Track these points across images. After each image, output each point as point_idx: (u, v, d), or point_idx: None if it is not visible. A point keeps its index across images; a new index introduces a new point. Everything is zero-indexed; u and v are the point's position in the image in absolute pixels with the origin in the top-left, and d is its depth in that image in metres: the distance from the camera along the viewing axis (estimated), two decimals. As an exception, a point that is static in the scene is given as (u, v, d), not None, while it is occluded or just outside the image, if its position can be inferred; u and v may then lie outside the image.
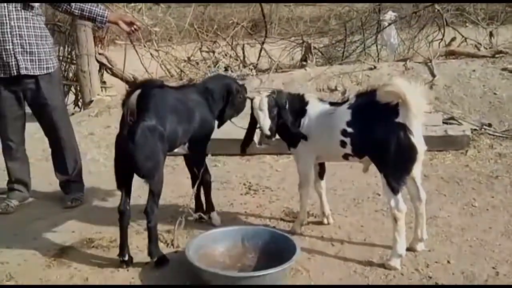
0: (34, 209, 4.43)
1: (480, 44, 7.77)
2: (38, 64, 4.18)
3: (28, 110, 4.40)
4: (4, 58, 4.06)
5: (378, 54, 8.68)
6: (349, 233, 3.75)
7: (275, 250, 3.23)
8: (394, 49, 8.93)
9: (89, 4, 4.17)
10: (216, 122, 3.91)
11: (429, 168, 4.83)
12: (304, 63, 7.82)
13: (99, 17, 4.19)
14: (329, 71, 7.11)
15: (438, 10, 8.22)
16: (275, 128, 3.50)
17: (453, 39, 8.23)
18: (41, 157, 5.52)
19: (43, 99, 4.27)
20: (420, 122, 3.09)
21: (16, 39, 4.06)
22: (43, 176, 4.93)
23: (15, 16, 4.04)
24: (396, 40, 8.98)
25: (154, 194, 3.21)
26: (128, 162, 3.10)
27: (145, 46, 8.38)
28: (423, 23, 8.85)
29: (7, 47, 4.05)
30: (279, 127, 3.52)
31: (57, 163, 4.55)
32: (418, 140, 3.07)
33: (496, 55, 7.00)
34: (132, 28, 4.21)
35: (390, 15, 8.96)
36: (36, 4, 4.16)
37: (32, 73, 4.16)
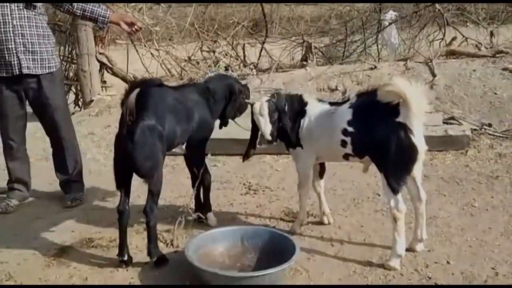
0: (34, 208, 4.43)
1: (481, 44, 7.76)
2: (40, 64, 4.18)
3: (28, 109, 4.40)
4: (6, 57, 4.07)
5: (379, 53, 8.68)
6: (349, 233, 3.75)
7: (275, 250, 3.23)
8: (394, 49, 8.94)
9: (91, 4, 4.17)
10: (218, 122, 3.91)
11: (429, 168, 4.83)
12: (305, 62, 7.82)
13: (101, 18, 4.19)
14: (329, 70, 7.11)
15: (439, 10, 8.21)
16: (276, 132, 3.50)
17: (454, 38, 8.22)
18: (41, 156, 5.52)
19: (45, 99, 4.27)
20: (420, 122, 3.08)
21: (18, 38, 4.06)
22: (43, 176, 4.93)
23: (17, 15, 4.04)
24: (396, 39, 8.98)
25: (153, 194, 3.20)
26: (128, 162, 3.10)
27: (145, 46, 8.38)
28: (423, 22, 8.84)
29: (9, 46, 4.05)
30: (279, 130, 3.52)
31: (57, 162, 4.55)
32: (418, 140, 3.06)
33: (497, 55, 6.98)
34: (133, 29, 4.21)
35: (390, 14, 8.97)
36: (39, 4, 4.16)
37: (34, 73, 4.17)
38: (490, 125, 5.83)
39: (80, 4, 4.16)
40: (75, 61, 8.18)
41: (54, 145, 4.51)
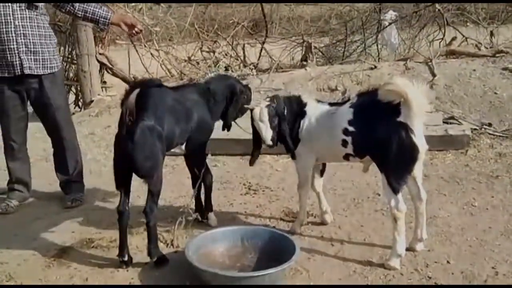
0: (34, 209, 4.43)
1: (481, 44, 7.76)
2: (42, 64, 4.18)
3: (30, 109, 4.41)
4: (8, 58, 4.07)
5: (379, 53, 8.68)
6: (349, 233, 3.75)
7: (275, 250, 3.23)
8: (394, 49, 8.95)
9: (92, 5, 4.17)
10: (218, 123, 3.91)
11: (429, 167, 4.83)
12: (305, 62, 7.83)
13: (102, 19, 4.19)
14: (329, 70, 7.11)
15: (439, 10, 8.21)
16: (276, 137, 3.50)
17: (454, 38, 8.22)
18: (41, 157, 5.53)
19: (46, 99, 4.27)
20: (421, 122, 3.08)
21: (20, 39, 4.06)
22: (43, 176, 4.93)
23: (19, 15, 4.04)
24: (396, 39, 8.99)
25: (153, 194, 3.20)
26: (127, 162, 3.10)
27: (145, 46, 8.39)
28: (423, 22, 8.85)
29: (11, 46, 4.05)
30: (279, 134, 3.52)
31: (58, 163, 4.56)
32: (419, 140, 3.07)
33: (497, 55, 6.98)
34: (134, 31, 4.22)
35: (390, 14, 8.97)
36: (40, 4, 4.16)
37: (35, 73, 4.17)
38: (490, 124, 5.83)
39: (82, 5, 4.16)
40: (75, 62, 8.19)
41: (55, 145, 4.51)
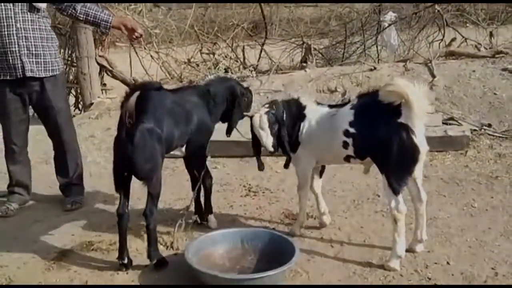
0: (34, 212, 4.43)
1: (480, 45, 7.75)
2: (44, 66, 4.19)
3: (31, 112, 4.42)
4: (10, 60, 4.07)
5: (378, 55, 8.68)
6: (349, 234, 3.75)
7: (275, 252, 3.23)
8: (394, 50, 8.95)
9: (94, 9, 4.18)
10: (220, 125, 3.91)
11: (429, 168, 4.83)
12: (304, 64, 7.83)
13: (103, 23, 4.20)
14: (329, 72, 7.11)
15: (438, 11, 8.21)
16: (277, 143, 3.50)
17: (453, 39, 8.21)
18: (41, 159, 5.53)
19: (48, 102, 4.28)
20: (422, 123, 3.08)
21: (22, 41, 4.07)
22: (43, 179, 4.93)
23: (21, 18, 4.05)
24: (396, 41, 8.99)
25: (153, 197, 3.21)
26: (127, 164, 3.11)
27: (145, 48, 8.39)
28: (423, 23, 8.84)
29: (13, 49, 4.06)
30: (278, 140, 3.51)
31: (58, 165, 4.56)
32: (420, 141, 3.07)
33: (496, 55, 6.97)
34: (134, 35, 4.22)
35: (390, 15, 8.97)
36: (42, 7, 4.17)
37: (37, 75, 4.17)
38: (489, 125, 5.83)
39: (84, 9, 4.17)
40: (75, 64, 8.19)
41: (56, 147, 4.51)
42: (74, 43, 7.91)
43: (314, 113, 3.51)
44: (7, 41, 4.04)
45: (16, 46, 4.06)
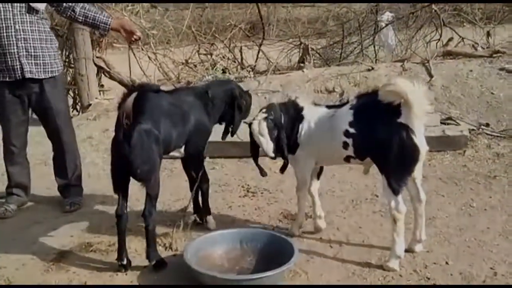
0: (32, 213, 4.43)
1: (478, 44, 7.76)
2: (43, 68, 4.19)
3: (33, 115, 4.41)
4: (9, 62, 4.07)
5: (376, 55, 8.68)
6: (348, 234, 3.75)
7: (274, 252, 3.23)
8: (391, 50, 8.95)
9: (93, 11, 4.18)
10: (218, 126, 3.92)
11: (427, 168, 4.83)
12: (302, 64, 7.83)
13: (102, 25, 4.20)
14: (326, 72, 7.10)
15: (435, 11, 8.22)
16: (277, 147, 3.49)
17: (451, 39, 8.21)
18: (40, 161, 5.52)
19: (47, 103, 4.28)
20: (422, 122, 3.09)
21: (21, 43, 4.07)
22: (42, 180, 4.93)
23: (19, 19, 4.05)
24: (393, 41, 8.99)
25: (151, 197, 3.21)
26: (125, 166, 3.10)
27: (143, 49, 8.38)
28: (420, 23, 8.83)
29: (12, 50, 4.06)
30: (277, 144, 3.51)
31: (57, 166, 4.56)
32: (420, 141, 3.07)
33: (494, 55, 6.97)
34: (133, 38, 4.22)
35: (387, 15, 8.97)
36: (41, 8, 4.16)
37: (36, 77, 4.17)
38: (487, 125, 5.83)
39: (83, 10, 4.17)
40: (72, 65, 8.17)
41: (55, 149, 4.51)
42: (71, 45, 7.88)
43: (312, 114, 3.50)
44: (6, 42, 4.04)
45: (15, 47, 4.06)
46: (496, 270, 3.17)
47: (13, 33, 4.04)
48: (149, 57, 8.34)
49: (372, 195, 4.44)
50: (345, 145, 3.28)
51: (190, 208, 3.94)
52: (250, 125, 3.52)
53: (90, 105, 7.63)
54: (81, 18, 4.22)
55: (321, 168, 3.76)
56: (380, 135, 3.10)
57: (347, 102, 3.45)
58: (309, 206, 3.95)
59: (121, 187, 3.27)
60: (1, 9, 4.01)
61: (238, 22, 9.58)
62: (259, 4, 9.39)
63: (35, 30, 4.13)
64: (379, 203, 4.24)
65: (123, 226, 3.27)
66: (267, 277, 2.92)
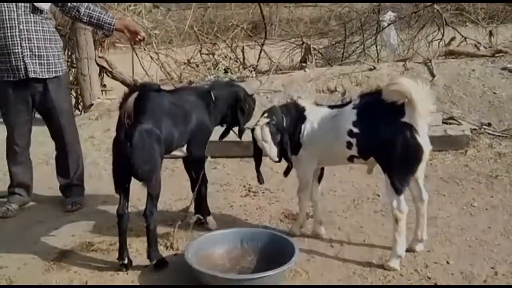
0: (34, 213, 4.44)
1: (480, 44, 7.75)
2: (47, 68, 4.20)
3: (38, 114, 4.43)
4: (13, 62, 4.09)
5: (378, 54, 8.68)
6: (349, 234, 3.75)
7: (275, 252, 3.23)
8: (393, 50, 8.94)
9: (98, 11, 4.19)
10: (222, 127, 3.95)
11: (429, 168, 4.81)
12: (304, 64, 7.83)
13: (107, 25, 4.21)
14: (328, 72, 7.10)
15: (438, 10, 8.21)
16: (280, 151, 3.48)
17: (453, 39, 8.21)
18: (41, 160, 5.53)
19: (51, 103, 4.29)
20: (425, 122, 3.08)
21: (25, 43, 4.08)
22: (44, 180, 4.93)
23: (24, 19, 4.06)
24: (395, 40, 8.98)
25: (152, 197, 3.21)
26: (126, 165, 3.10)
27: (145, 49, 8.39)
28: (422, 23, 8.83)
29: (16, 50, 4.07)
30: (280, 147, 3.49)
31: (59, 166, 4.57)
32: (424, 140, 3.07)
33: (496, 55, 6.96)
34: (137, 38, 4.24)
35: (389, 15, 8.97)
36: (45, 8, 4.17)
37: (40, 77, 4.18)
38: (489, 124, 5.82)
39: (87, 11, 4.18)
40: (74, 65, 8.19)
41: (58, 148, 4.53)
42: (73, 44, 7.90)
43: (314, 114, 3.49)
44: (10, 42, 4.05)
45: (19, 47, 4.07)
46: (497, 269, 3.16)
47: (17, 33, 4.05)
48: (151, 57, 8.36)
49: (373, 195, 4.44)
50: (349, 145, 3.27)
51: (192, 208, 3.93)
52: (252, 130, 3.49)
53: (92, 105, 7.66)
54: (85, 18, 4.23)
55: (322, 171, 3.74)
56: (384, 135, 3.10)
57: (350, 101, 3.43)
58: (310, 205, 3.95)
59: (122, 187, 3.28)
60: (6, 9, 4.02)
61: (240, 22, 9.58)
62: (261, 4, 9.38)
63: (39, 30, 4.14)
64: (381, 202, 4.23)
65: (124, 226, 3.28)
66: (268, 277, 2.92)
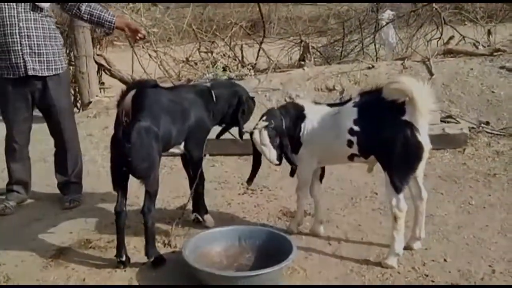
0: (32, 210, 4.44)
1: (478, 43, 7.76)
2: (47, 65, 4.19)
3: (37, 112, 4.43)
4: (13, 59, 4.08)
5: (376, 53, 8.68)
6: (346, 232, 3.75)
7: (272, 249, 3.23)
8: (392, 48, 8.95)
9: (98, 9, 4.19)
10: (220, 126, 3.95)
11: (427, 166, 4.73)
12: (302, 62, 7.83)
13: (107, 23, 4.21)
14: (327, 70, 7.11)
15: (436, 9, 8.21)
16: (280, 154, 3.46)
17: (451, 37, 8.22)
18: (39, 158, 5.53)
19: (51, 100, 4.29)
20: (426, 121, 3.08)
21: (25, 40, 4.08)
22: (41, 177, 4.94)
23: (23, 17, 4.05)
24: (394, 39, 8.99)
25: (150, 195, 3.21)
26: (124, 163, 3.10)
27: (143, 47, 8.39)
28: (421, 21, 8.85)
29: (16, 48, 4.07)
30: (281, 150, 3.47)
31: (58, 163, 4.57)
32: (424, 139, 3.07)
33: (494, 53, 6.97)
34: (138, 36, 4.24)
35: (388, 14, 8.97)
36: (46, 6, 4.17)
37: (40, 74, 4.18)
38: (487, 123, 5.83)
39: (88, 9, 4.18)
40: (73, 63, 8.18)
41: (57, 146, 4.53)
42: (72, 42, 7.89)
43: (314, 112, 3.48)
44: (10, 40, 4.05)
45: (19, 45, 4.07)
46: (494, 267, 3.17)
47: (17, 31, 4.05)
48: (149, 55, 8.35)
49: (371, 193, 4.44)
50: (350, 143, 3.27)
51: (190, 206, 3.93)
52: (251, 134, 3.47)
53: (90, 102, 7.66)
54: (86, 16, 4.23)
55: (323, 171, 3.74)
56: (384, 133, 3.10)
57: (350, 99, 3.42)
58: (308, 203, 3.96)
59: (120, 184, 3.27)
60: (5, 6, 4.02)
61: (239, 20, 9.57)
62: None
63: (39, 27, 4.14)
64: (379, 200, 4.24)
65: (122, 223, 3.28)
66: (266, 274, 2.92)
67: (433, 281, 3.07)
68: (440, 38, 8.35)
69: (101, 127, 6.59)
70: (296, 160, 3.51)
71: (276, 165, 3.50)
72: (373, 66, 6.98)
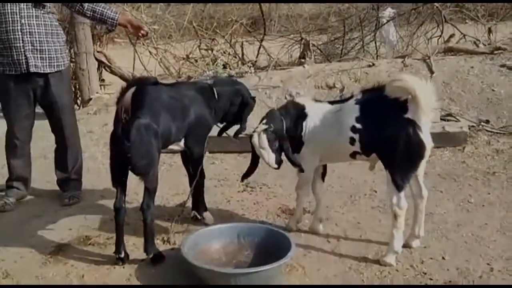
0: (31, 206, 4.44)
1: (479, 41, 7.75)
2: (49, 62, 4.20)
3: (39, 109, 4.44)
4: (14, 56, 4.09)
5: (377, 51, 8.66)
6: (345, 229, 3.76)
7: (271, 247, 3.23)
8: (392, 46, 8.94)
9: (101, 6, 4.20)
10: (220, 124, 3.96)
11: (427, 164, 4.75)
12: (303, 60, 7.82)
13: (110, 20, 4.22)
14: (327, 68, 7.10)
15: (437, 7, 8.20)
16: (280, 157, 3.45)
17: (452, 35, 8.21)
18: (40, 154, 5.53)
19: (52, 97, 4.30)
20: (428, 119, 3.08)
21: (26, 37, 4.08)
22: (41, 174, 4.95)
23: (25, 13, 4.06)
24: (394, 37, 8.98)
25: (149, 191, 3.22)
26: (123, 160, 3.10)
27: (144, 44, 8.38)
28: (422, 19, 8.83)
29: (17, 44, 4.07)
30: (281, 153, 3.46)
31: (58, 160, 4.58)
32: (426, 137, 3.07)
33: (495, 52, 6.96)
34: (140, 33, 4.24)
35: (389, 11, 8.97)
36: (48, 3, 4.17)
37: (42, 71, 4.19)
38: (487, 121, 5.83)
39: (91, 5, 4.19)
40: (73, 60, 8.18)
41: (58, 142, 4.54)
42: (72, 39, 7.86)
43: (315, 111, 3.47)
44: (12, 36, 4.06)
45: (20, 41, 4.07)
46: (492, 265, 3.17)
47: (18, 27, 4.05)
48: (150, 52, 8.35)
49: (371, 191, 4.44)
50: (352, 141, 3.26)
51: (189, 203, 3.93)
52: (250, 137, 3.44)
53: (90, 99, 7.65)
54: (89, 12, 4.24)
55: (325, 169, 3.73)
56: (387, 131, 3.09)
57: (351, 97, 3.39)
58: (307, 201, 3.96)
59: (119, 181, 3.28)
60: (8, 3, 4.02)
61: (239, 17, 9.58)
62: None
63: (41, 24, 4.14)
64: (378, 198, 4.24)
65: (121, 220, 3.29)
66: (264, 271, 2.92)
67: (431, 279, 3.07)
68: (440, 36, 8.34)
69: (101, 124, 6.59)
70: (299, 160, 3.49)
71: (275, 169, 3.47)
72: (373, 64, 6.98)
